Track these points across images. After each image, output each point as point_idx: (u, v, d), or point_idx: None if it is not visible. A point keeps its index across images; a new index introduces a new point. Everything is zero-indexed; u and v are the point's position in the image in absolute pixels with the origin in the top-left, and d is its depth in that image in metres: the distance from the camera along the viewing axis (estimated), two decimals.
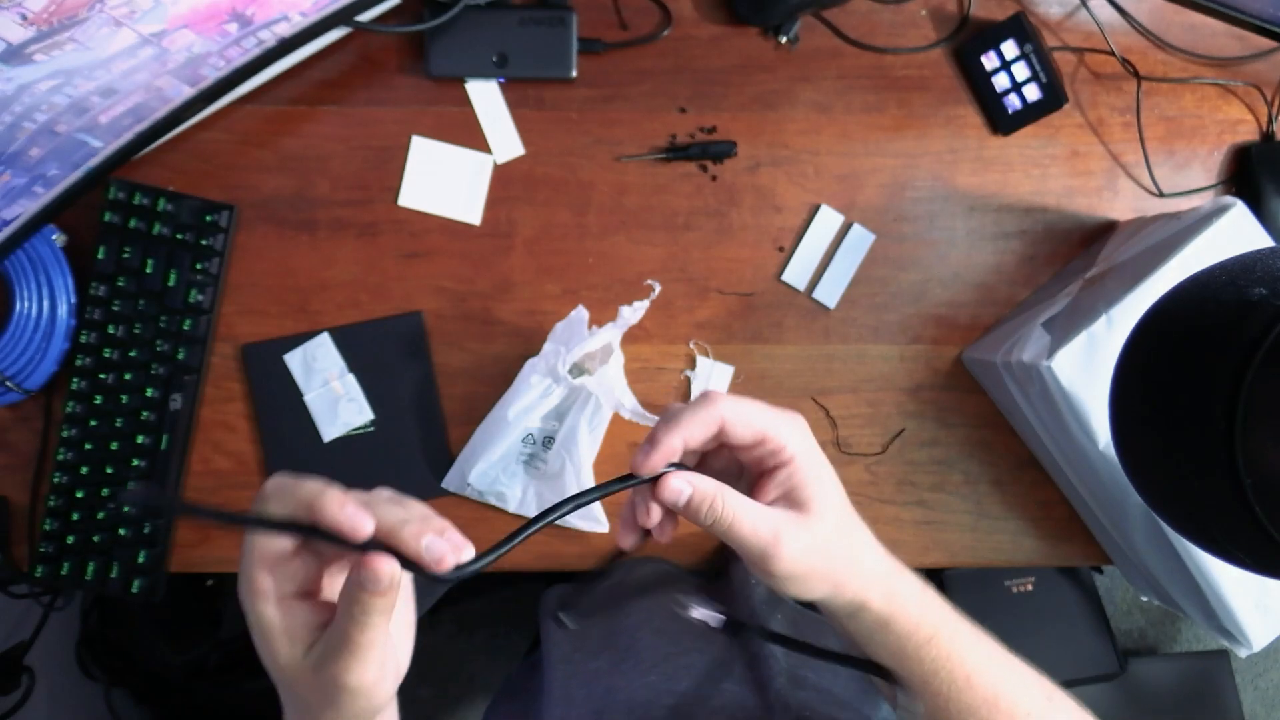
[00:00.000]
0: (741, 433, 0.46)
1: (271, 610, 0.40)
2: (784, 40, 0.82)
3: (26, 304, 0.77)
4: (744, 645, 0.71)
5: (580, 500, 0.46)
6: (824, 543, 0.47)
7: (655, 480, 0.45)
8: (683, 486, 0.45)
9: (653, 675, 0.66)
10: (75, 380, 0.79)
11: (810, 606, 0.52)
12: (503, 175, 0.83)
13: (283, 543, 0.40)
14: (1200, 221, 0.69)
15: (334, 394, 0.82)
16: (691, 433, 0.45)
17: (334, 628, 0.40)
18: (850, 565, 0.48)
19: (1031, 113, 0.83)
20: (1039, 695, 0.51)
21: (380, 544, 0.38)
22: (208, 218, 0.80)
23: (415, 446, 0.82)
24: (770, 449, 0.47)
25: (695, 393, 0.82)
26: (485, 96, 0.82)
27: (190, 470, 0.82)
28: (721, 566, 0.84)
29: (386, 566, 0.37)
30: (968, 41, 0.83)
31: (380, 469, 0.82)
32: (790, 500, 0.47)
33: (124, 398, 0.79)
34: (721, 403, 0.46)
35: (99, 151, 0.68)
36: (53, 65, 0.57)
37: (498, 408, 0.80)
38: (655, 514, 0.47)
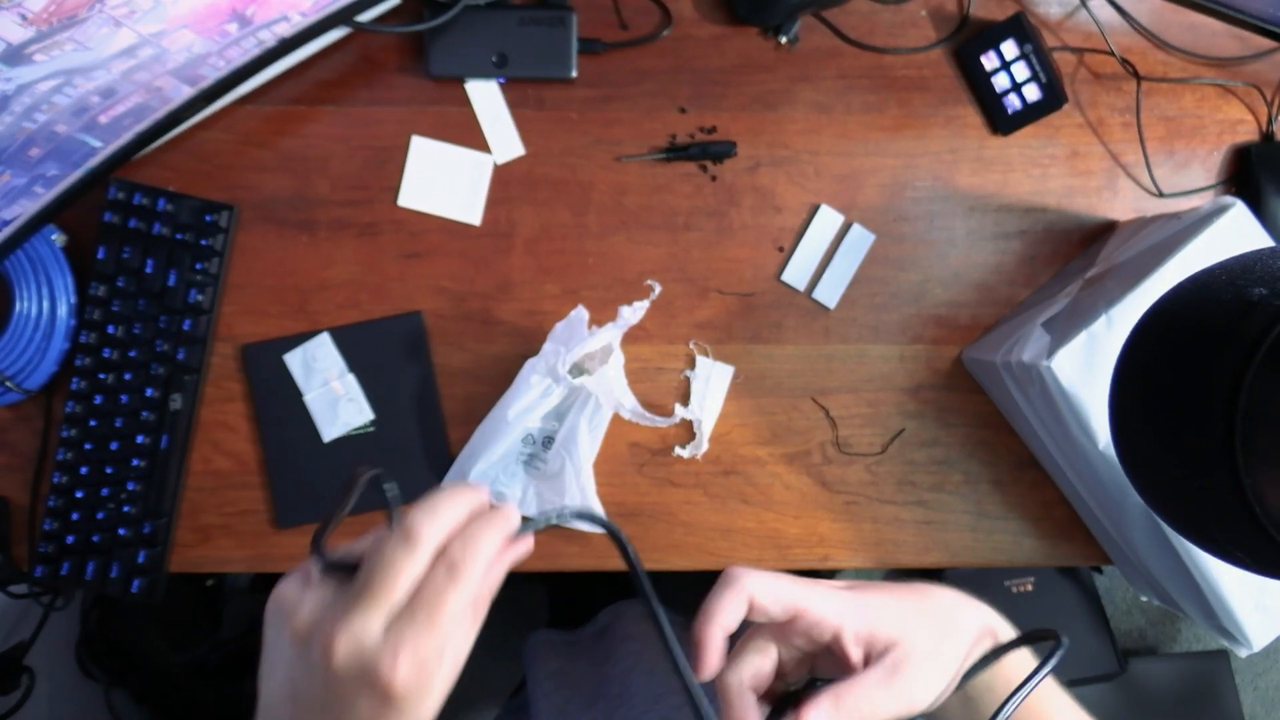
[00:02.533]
0: (773, 611, 0.45)
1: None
2: (784, 40, 0.82)
3: (26, 304, 0.77)
4: None
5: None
6: (939, 648, 0.46)
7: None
8: (819, 714, 0.43)
9: (646, 718, 0.66)
10: (75, 380, 0.79)
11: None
12: (503, 175, 0.83)
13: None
14: (1200, 221, 0.69)
15: (334, 394, 0.82)
16: (727, 618, 0.44)
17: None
18: (972, 647, 0.47)
19: (1031, 113, 0.83)
20: None
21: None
22: (208, 218, 0.80)
23: (415, 446, 0.82)
24: (807, 625, 0.45)
25: (695, 394, 0.82)
26: (485, 96, 0.82)
27: (190, 470, 0.82)
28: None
29: None
30: (967, 42, 0.83)
31: (380, 469, 0.82)
32: (875, 652, 0.45)
33: (124, 398, 0.79)
34: (747, 581, 0.44)
35: (99, 151, 0.68)
36: (53, 65, 0.57)
37: (497, 408, 0.80)
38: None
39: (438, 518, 0.41)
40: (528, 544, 0.43)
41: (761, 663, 0.46)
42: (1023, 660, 0.49)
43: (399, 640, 0.37)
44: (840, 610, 0.45)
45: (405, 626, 0.38)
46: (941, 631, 0.47)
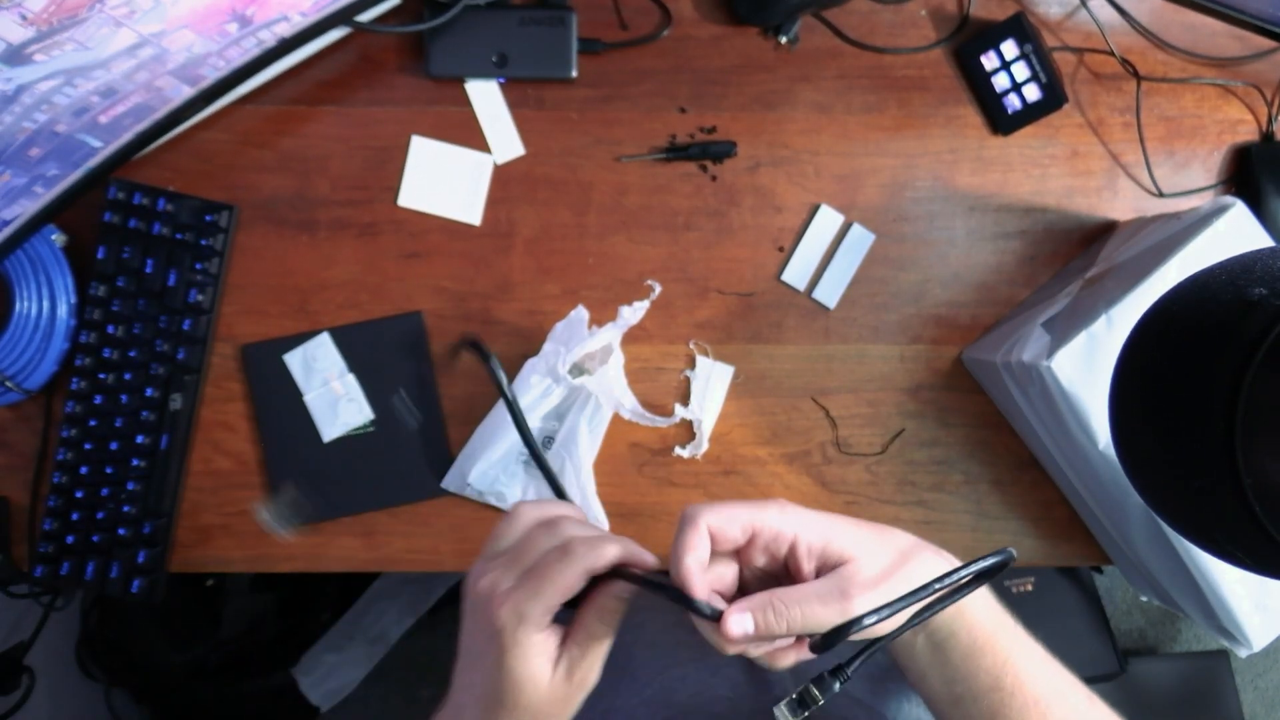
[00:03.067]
0: (731, 533, 0.48)
1: (541, 639, 0.47)
2: (784, 40, 0.82)
3: (26, 304, 0.77)
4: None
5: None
6: (888, 576, 0.47)
7: (717, 622, 0.46)
8: (742, 619, 0.46)
9: (649, 690, 0.66)
10: (75, 380, 0.79)
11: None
12: (503, 175, 0.83)
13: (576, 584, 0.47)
14: (1200, 221, 0.69)
15: (334, 394, 0.82)
16: (696, 553, 0.47)
17: (584, 638, 0.49)
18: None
19: (1031, 113, 0.83)
20: (1082, 700, 0.52)
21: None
22: (208, 218, 0.80)
23: (415, 446, 0.82)
24: (766, 540, 0.48)
25: (695, 394, 0.82)
26: (485, 96, 0.82)
27: (190, 470, 0.82)
28: None
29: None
30: (967, 42, 0.83)
31: (380, 469, 0.82)
32: (827, 566, 0.48)
33: (124, 398, 0.79)
34: (702, 513, 0.47)
35: (99, 151, 0.68)
36: (53, 65, 0.57)
37: (497, 408, 0.80)
38: (733, 649, 0.48)
39: (570, 515, 0.52)
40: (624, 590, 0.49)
41: (722, 570, 0.50)
42: (987, 603, 0.50)
43: (507, 593, 0.47)
44: (796, 523, 0.48)
45: (519, 585, 0.47)
46: (896, 562, 0.48)
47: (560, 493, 0.70)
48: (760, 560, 0.50)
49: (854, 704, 0.66)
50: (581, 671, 0.49)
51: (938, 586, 0.45)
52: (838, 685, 0.44)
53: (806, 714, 0.44)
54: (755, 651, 0.49)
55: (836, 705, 0.64)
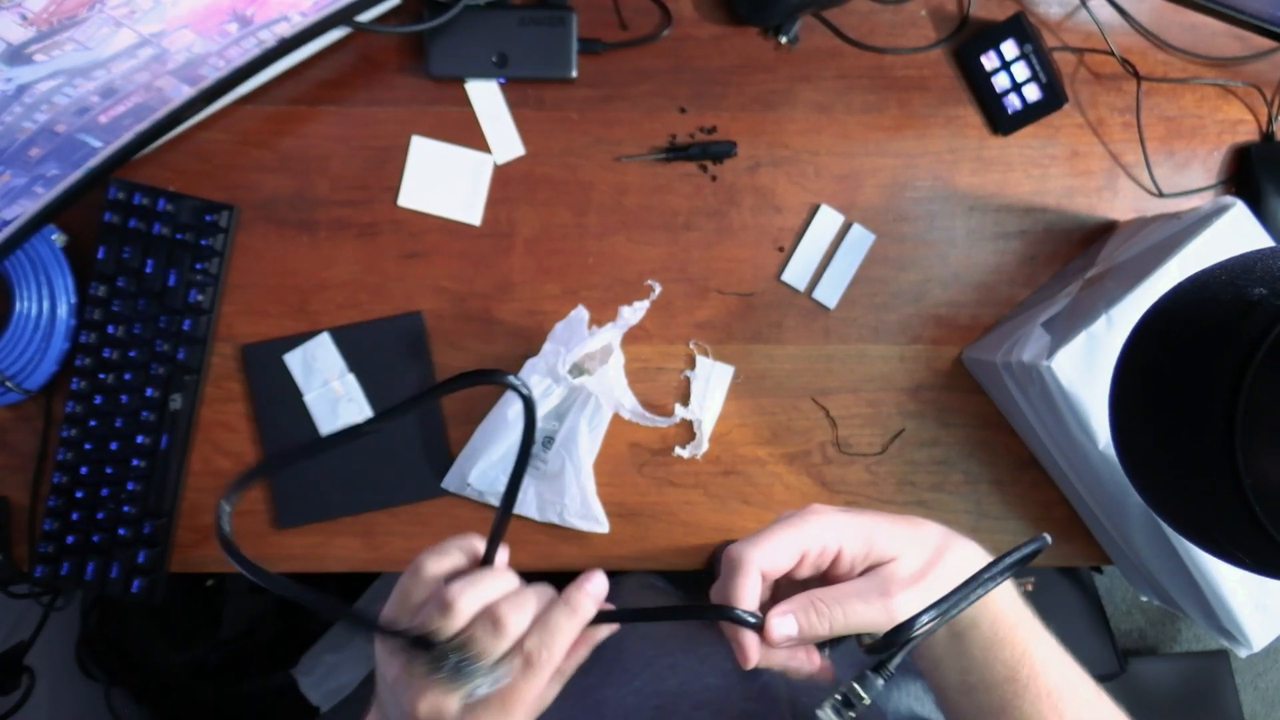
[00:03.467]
0: (783, 563, 0.47)
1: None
2: (784, 40, 0.82)
3: (26, 304, 0.77)
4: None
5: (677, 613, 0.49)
6: (926, 572, 0.47)
7: (760, 629, 0.45)
8: (785, 621, 0.45)
9: (638, 680, 0.66)
10: (75, 380, 0.79)
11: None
12: (503, 175, 0.83)
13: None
14: (1200, 221, 0.69)
15: (334, 394, 0.82)
16: (750, 603, 0.46)
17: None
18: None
19: (1031, 113, 0.83)
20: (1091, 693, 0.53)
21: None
22: (208, 218, 0.80)
23: (415, 446, 0.82)
24: (816, 558, 0.48)
25: (695, 394, 0.82)
26: (485, 96, 0.82)
27: (190, 470, 0.82)
28: (708, 578, 0.84)
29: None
30: (967, 42, 0.83)
31: (380, 469, 0.82)
32: (868, 567, 0.48)
33: (124, 398, 0.79)
34: (751, 557, 0.46)
35: (99, 151, 0.68)
36: (53, 65, 0.57)
37: (497, 408, 0.80)
38: (773, 659, 0.47)
39: (519, 609, 0.45)
40: (607, 630, 0.47)
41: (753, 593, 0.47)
42: (1010, 594, 0.51)
43: (424, 685, 0.42)
44: (838, 534, 0.48)
45: (481, 713, 0.43)
46: (932, 558, 0.48)
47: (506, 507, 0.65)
48: (804, 574, 0.49)
49: None
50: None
51: (984, 578, 0.45)
52: (880, 682, 0.44)
53: (854, 714, 0.43)
54: (780, 660, 0.48)
55: (822, 693, 0.64)
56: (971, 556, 0.50)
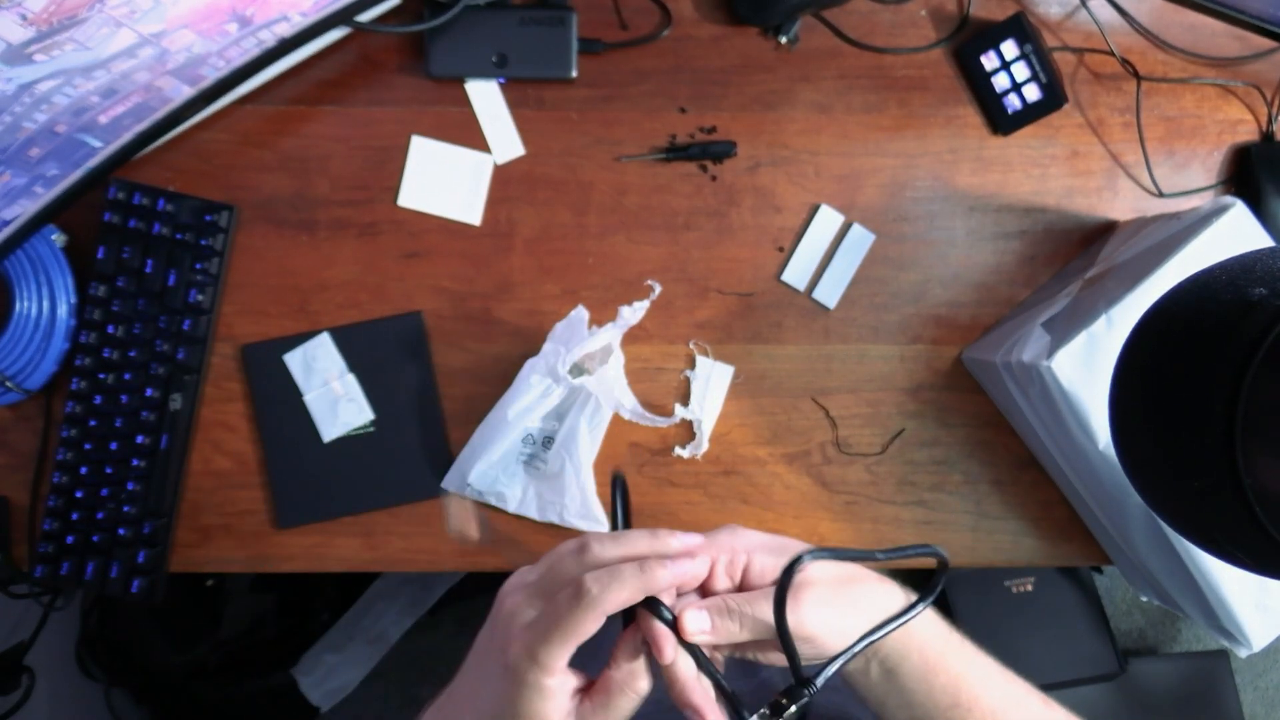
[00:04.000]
0: (698, 571, 0.49)
1: (554, 685, 0.46)
2: (784, 40, 0.82)
3: (26, 304, 0.77)
4: None
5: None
6: (834, 587, 0.50)
7: (674, 626, 0.47)
8: (698, 616, 0.48)
9: None
10: (75, 380, 0.79)
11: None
12: (503, 175, 0.83)
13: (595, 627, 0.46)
14: (1200, 221, 0.69)
15: (334, 394, 0.82)
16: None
17: (603, 698, 0.47)
18: (872, 611, 0.50)
19: (1031, 113, 0.83)
20: (1038, 705, 0.53)
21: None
22: (208, 218, 0.80)
23: (415, 446, 0.82)
24: (727, 567, 0.50)
25: (695, 394, 0.82)
26: (485, 96, 0.82)
27: (190, 470, 0.82)
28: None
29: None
30: (967, 42, 0.83)
31: (380, 469, 0.82)
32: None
33: (124, 398, 0.79)
34: (658, 571, 0.47)
35: (99, 151, 0.68)
36: (53, 65, 0.57)
37: (497, 408, 0.80)
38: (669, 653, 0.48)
39: (607, 546, 0.48)
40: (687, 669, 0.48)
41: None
42: (934, 622, 0.52)
43: (523, 629, 0.46)
44: (748, 545, 0.51)
45: (534, 623, 0.46)
46: (845, 582, 0.50)
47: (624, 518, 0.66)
48: (719, 585, 0.51)
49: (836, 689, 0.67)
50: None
51: (892, 624, 0.49)
52: (806, 697, 0.46)
53: None
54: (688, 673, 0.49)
55: (820, 695, 0.64)
56: (883, 592, 0.51)
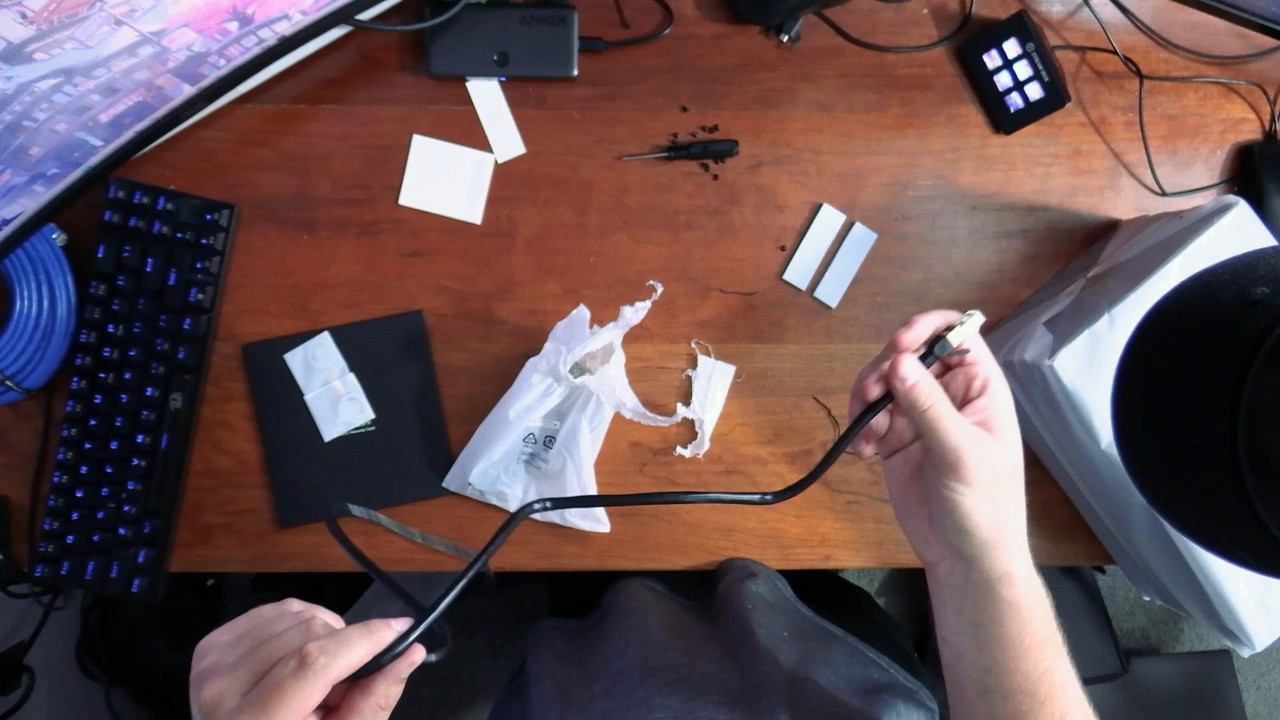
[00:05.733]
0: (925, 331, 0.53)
1: None
2: (786, 39, 0.82)
3: (26, 303, 0.77)
4: (736, 653, 0.71)
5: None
6: (1000, 476, 0.50)
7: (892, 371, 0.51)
8: (914, 369, 0.51)
9: (641, 692, 0.66)
10: (75, 380, 0.79)
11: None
12: (504, 174, 0.83)
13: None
14: (1203, 221, 0.69)
15: (335, 393, 0.82)
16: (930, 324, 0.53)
17: None
18: (1008, 524, 0.51)
19: (1034, 111, 0.82)
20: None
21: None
22: (208, 216, 0.80)
23: (416, 446, 0.82)
24: (973, 372, 0.52)
25: (696, 393, 0.82)
26: (486, 95, 0.82)
27: (190, 470, 0.82)
28: (710, 585, 0.84)
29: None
30: (970, 40, 0.83)
31: (381, 469, 0.82)
32: (984, 424, 0.51)
33: (124, 397, 0.79)
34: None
35: (99, 150, 0.68)
36: (53, 64, 0.57)
37: (499, 407, 0.80)
38: (875, 391, 0.53)
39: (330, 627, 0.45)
40: (408, 666, 0.45)
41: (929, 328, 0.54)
42: (1044, 611, 0.53)
43: (231, 715, 0.41)
44: (999, 380, 0.53)
45: (243, 705, 0.41)
46: (1011, 504, 0.52)
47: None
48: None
49: (847, 689, 0.67)
50: None
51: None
52: (950, 350, 0.52)
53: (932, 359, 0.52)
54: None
55: (821, 704, 0.64)
56: (1019, 501, 0.53)
